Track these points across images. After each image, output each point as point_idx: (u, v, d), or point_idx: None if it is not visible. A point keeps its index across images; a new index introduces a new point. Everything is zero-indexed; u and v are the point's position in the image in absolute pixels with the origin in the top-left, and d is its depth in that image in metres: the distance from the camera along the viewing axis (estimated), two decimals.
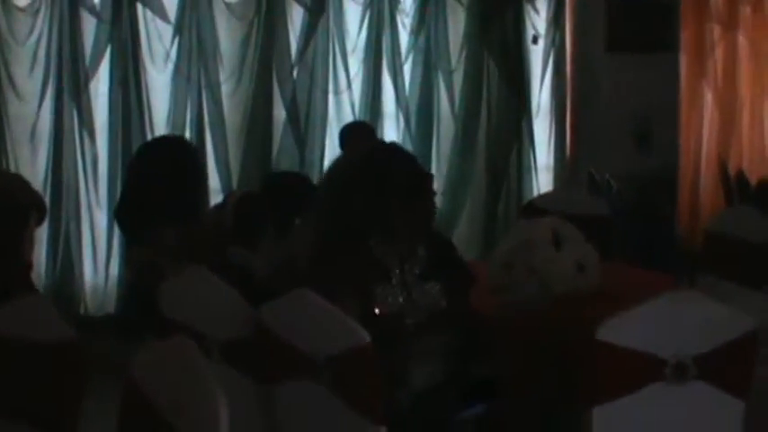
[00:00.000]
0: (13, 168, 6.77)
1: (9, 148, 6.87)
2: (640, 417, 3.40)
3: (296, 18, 7.43)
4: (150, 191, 4.73)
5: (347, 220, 3.72)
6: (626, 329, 3.36)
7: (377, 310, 3.60)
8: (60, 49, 6.88)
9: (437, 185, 7.90)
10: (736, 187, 8.11)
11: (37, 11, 6.85)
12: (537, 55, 8.24)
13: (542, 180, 8.28)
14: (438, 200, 7.84)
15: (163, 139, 6.14)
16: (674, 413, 3.42)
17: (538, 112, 8.26)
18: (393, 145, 4.27)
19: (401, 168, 3.75)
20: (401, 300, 3.69)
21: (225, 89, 7.27)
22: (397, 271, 3.72)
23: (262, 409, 3.68)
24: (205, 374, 2.63)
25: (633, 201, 7.22)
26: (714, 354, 3.37)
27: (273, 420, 3.64)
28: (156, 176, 4.76)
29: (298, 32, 7.43)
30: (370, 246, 3.68)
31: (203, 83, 7.18)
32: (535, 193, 8.09)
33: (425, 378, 3.65)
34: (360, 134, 6.47)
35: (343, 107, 7.55)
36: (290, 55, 7.39)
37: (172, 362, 2.70)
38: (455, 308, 3.77)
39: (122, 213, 5.01)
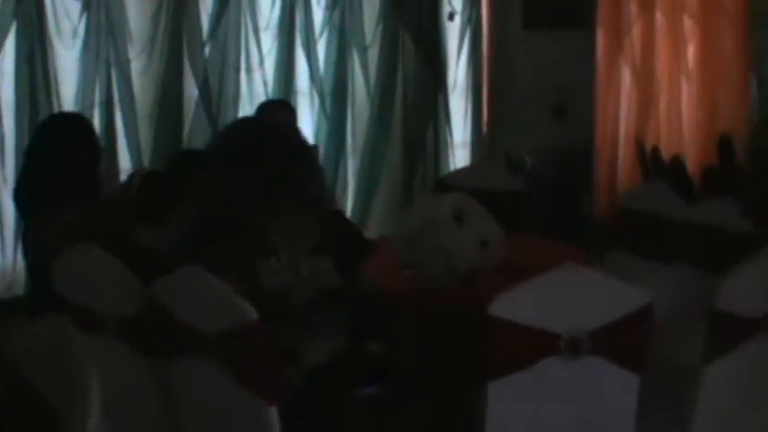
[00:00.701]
0: None
1: None
2: (535, 392, 3.38)
3: None
4: (47, 171, 4.64)
5: (224, 197, 3.61)
6: (518, 304, 3.33)
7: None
8: None
9: (353, 163, 7.92)
10: (651, 164, 8.15)
11: None
12: (453, 31, 8.20)
13: (460, 156, 8.26)
14: (353, 177, 7.86)
15: (58, 117, 6.02)
16: (569, 388, 3.41)
17: (454, 88, 8.24)
18: (270, 118, 4.18)
19: (276, 140, 3.65)
20: (287, 277, 3.60)
21: (135, 67, 7.12)
22: (284, 247, 3.64)
23: (156, 386, 3.63)
24: (76, 350, 2.58)
25: (548, 177, 7.21)
26: (608, 328, 3.36)
27: (168, 397, 3.59)
28: (52, 156, 4.67)
29: (209, 8, 7.30)
30: (251, 222, 3.57)
31: (113, 60, 7.03)
32: (452, 170, 8.08)
33: (317, 356, 3.59)
34: (277, 112, 6.39)
35: (255, 85, 7.44)
36: (201, 32, 7.26)
37: (44, 339, 2.65)
38: (348, 282, 3.71)
39: (19, 194, 4.90)
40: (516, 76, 8.30)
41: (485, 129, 8.35)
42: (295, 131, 3.86)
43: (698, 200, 6.04)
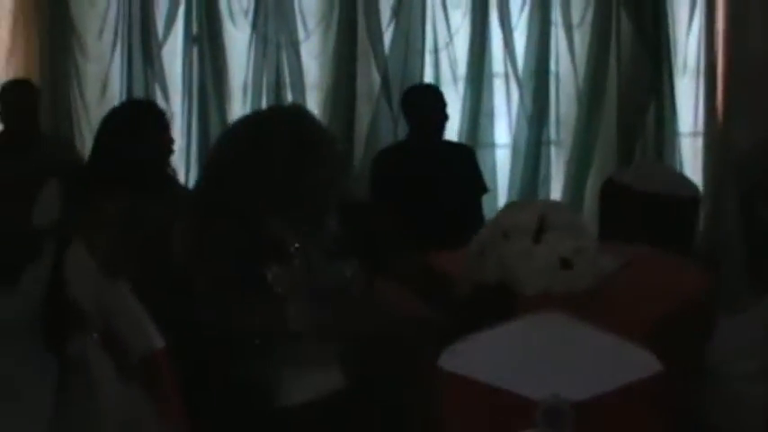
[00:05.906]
0: (86, 130, 6.41)
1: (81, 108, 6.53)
2: None
3: None
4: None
5: (227, 193, 3.06)
6: (481, 357, 2.57)
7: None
8: (131, 5, 6.45)
9: (557, 153, 7.08)
10: None
11: None
12: (681, 3, 7.15)
13: (688, 148, 7.25)
14: (558, 170, 7.04)
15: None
16: None
17: (684, 70, 7.20)
18: (284, 107, 3.59)
19: (288, 130, 3.10)
20: (297, 281, 3.01)
21: (306, 48, 6.63)
22: (297, 248, 3.06)
23: None
24: None
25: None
26: (600, 400, 2.53)
27: None
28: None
29: None
30: (259, 220, 3.03)
31: (283, 41, 6.58)
32: (677, 162, 7.14)
33: (298, 394, 2.97)
34: (426, 99, 5.81)
35: (441, 67, 6.76)
36: (378, 9, 6.66)
37: None
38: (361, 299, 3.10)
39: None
40: (759, 54, 7.11)
41: (719, 116, 7.26)
42: (310, 121, 3.26)
43: None
